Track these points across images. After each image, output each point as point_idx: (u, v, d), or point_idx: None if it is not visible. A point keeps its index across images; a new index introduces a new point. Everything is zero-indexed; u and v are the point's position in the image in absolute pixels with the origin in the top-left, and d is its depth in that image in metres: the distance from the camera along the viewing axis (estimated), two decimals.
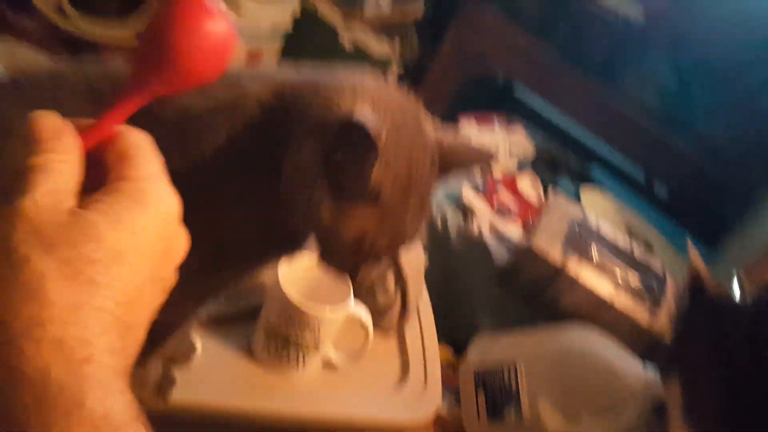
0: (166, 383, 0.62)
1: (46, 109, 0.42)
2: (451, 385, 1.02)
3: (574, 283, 0.98)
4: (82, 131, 0.30)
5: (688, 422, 0.55)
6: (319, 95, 0.47)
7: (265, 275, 0.79)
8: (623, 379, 0.85)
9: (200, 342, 0.69)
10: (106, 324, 0.26)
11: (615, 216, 1.33)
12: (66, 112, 0.44)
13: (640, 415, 0.81)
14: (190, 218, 0.49)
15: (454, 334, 1.12)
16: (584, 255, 1.02)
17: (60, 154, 0.28)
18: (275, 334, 0.70)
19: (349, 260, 0.50)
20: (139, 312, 0.29)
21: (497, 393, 0.92)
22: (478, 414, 0.94)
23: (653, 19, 1.72)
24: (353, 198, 0.45)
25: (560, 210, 1.11)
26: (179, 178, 0.49)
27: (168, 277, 0.32)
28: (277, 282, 0.68)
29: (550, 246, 1.00)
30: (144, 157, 0.31)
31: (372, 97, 0.47)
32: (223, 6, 0.33)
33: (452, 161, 0.51)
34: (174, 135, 0.47)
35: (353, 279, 0.52)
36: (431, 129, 0.51)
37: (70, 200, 0.27)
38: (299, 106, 0.47)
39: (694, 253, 0.63)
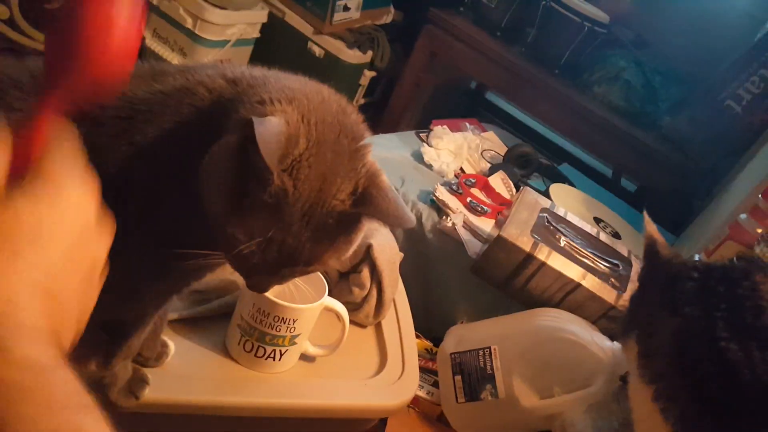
0: (137, 383, 0.61)
1: None
2: (430, 371, 1.06)
3: (543, 268, 1.02)
4: (16, 137, 0.32)
5: (643, 374, 0.58)
6: (257, 91, 0.45)
7: (231, 273, 0.81)
8: (592, 354, 0.89)
9: (173, 343, 0.69)
10: (28, 288, 0.29)
11: (583, 208, 1.38)
12: (8, 104, 0.43)
13: (609, 386, 0.85)
14: (137, 207, 0.46)
15: (433, 326, 1.15)
16: (553, 242, 1.07)
17: None
18: (250, 330, 0.70)
19: (245, 266, 0.47)
20: (65, 283, 0.31)
21: (473, 375, 0.95)
22: (456, 396, 0.97)
23: (618, 19, 1.80)
24: (253, 198, 0.43)
25: (530, 202, 1.16)
26: (127, 168, 0.46)
27: (93, 255, 0.34)
28: None
29: (520, 235, 1.04)
30: (60, 151, 0.33)
31: (305, 106, 0.45)
32: None
33: (372, 206, 0.46)
34: (121, 126, 0.46)
35: (252, 288, 0.49)
36: (369, 162, 0.48)
37: None
38: (243, 98, 0.45)
39: (647, 220, 0.67)
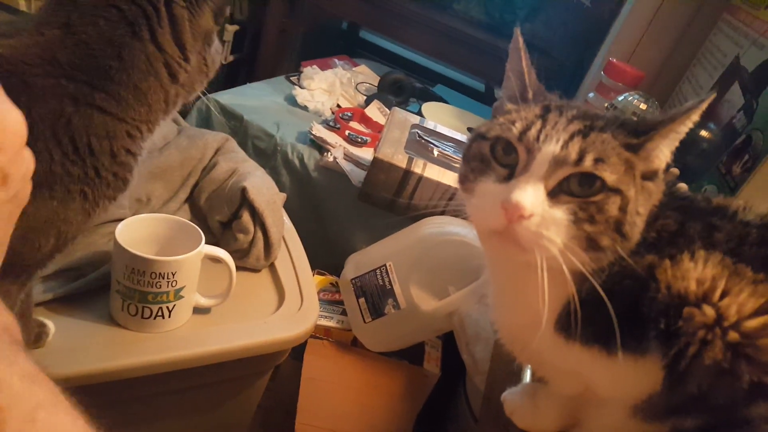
0: None
1: None
2: (337, 302, 1.09)
3: (422, 180, 1.05)
4: None
5: None
6: None
7: (105, 245, 0.78)
8: (476, 248, 0.94)
9: (51, 323, 0.66)
10: None
11: (456, 121, 1.43)
12: None
13: None
14: None
15: (336, 262, 1.17)
16: (426, 154, 1.10)
17: None
18: (130, 293, 0.67)
19: None
20: None
21: (375, 294, 0.99)
22: (363, 317, 1.00)
23: None
24: None
25: (400, 121, 1.18)
26: None
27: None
28: (117, 242, 0.66)
29: (395, 153, 1.07)
30: None
31: None
32: None
33: None
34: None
35: None
36: None
37: None
38: None
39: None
